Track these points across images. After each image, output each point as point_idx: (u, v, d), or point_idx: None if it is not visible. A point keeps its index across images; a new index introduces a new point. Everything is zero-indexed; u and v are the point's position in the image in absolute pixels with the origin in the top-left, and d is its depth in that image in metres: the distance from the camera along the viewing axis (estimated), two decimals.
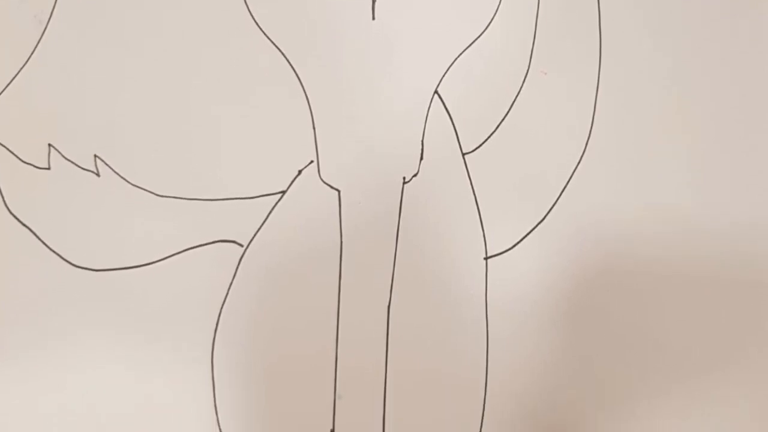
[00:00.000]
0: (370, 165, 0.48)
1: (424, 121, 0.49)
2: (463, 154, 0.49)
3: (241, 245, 0.48)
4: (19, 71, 0.48)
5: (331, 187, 0.48)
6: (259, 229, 0.48)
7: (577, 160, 0.49)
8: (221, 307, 0.47)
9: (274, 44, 0.48)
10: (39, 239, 0.47)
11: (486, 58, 0.50)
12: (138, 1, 0.49)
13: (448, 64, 0.49)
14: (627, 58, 0.50)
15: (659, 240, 0.49)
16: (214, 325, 0.47)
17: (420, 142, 0.49)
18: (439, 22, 0.49)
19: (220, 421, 0.47)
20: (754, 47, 0.51)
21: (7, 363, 0.47)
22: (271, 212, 0.48)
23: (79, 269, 0.47)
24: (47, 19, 0.48)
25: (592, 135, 0.49)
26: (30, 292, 0.47)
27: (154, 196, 0.48)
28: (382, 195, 0.48)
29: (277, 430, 0.48)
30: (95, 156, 0.48)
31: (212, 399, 0.47)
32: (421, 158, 0.49)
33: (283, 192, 0.48)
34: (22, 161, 0.47)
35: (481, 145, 0.49)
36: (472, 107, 0.49)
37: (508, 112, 0.49)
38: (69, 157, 0.47)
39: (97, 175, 0.48)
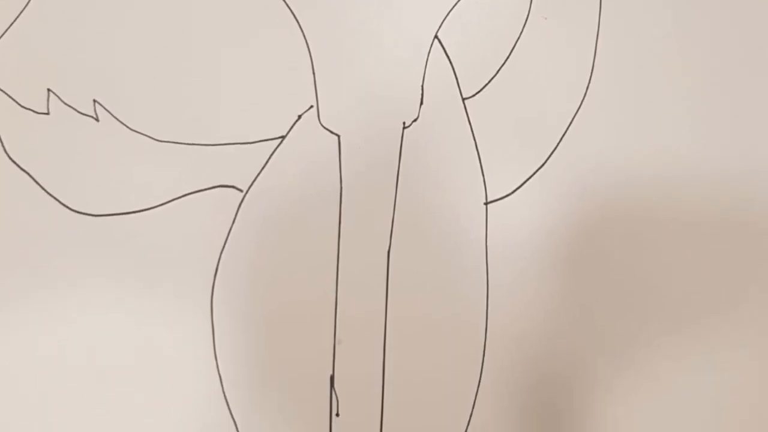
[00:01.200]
0: (370, 110, 0.48)
1: (424, 65, 0.49)
2: (463, 99, 0.49)
3: (241, 190, 0.48)
4: (17, 16, 0.48)
5: (331, 132, 0.48)
6: (258, 174, 0.48)
7: (578, 105, 0.49)
8: (221, 253, 0.47)
9: None
10: (38, 184, 0.47)
11: (486, 3, 0.50)
12: None
13: (448, 9, 0.49)
14: (627, 2, 0.50)
15: (660, 185, 0.49)
16: (214, 271, 0.47)
17: (420, 87, 0.48)
18: None
19: (219, 367, 0.47)
20: None
21: (6, 308, 0.47)
22: (270, 157, 0.48)
23: (78, 214, 0.47)
24: None
25: (592, 80, 0.49)
26: (29, 237, 0.47)
27: (154, 141, 0.47)
28: (382, 140, 0.48)
29: (277, 375, 0.48)
30: (94, 101, 0.47)
31: (212, 344, 0.47)
32: (421, 103, 0.48)
33: (283, 137, 0.48)
34: (21, 106, 0.47)
35: (481, 90, 0.49)
36: (472, 52, 0.49)
37: (508, 57, 0.49)
38: (68, 102, 0.47)
39: (96, 120, 0.47)
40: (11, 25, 0.48)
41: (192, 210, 0.47)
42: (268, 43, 0.48)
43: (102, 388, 0.47)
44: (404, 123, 0.48)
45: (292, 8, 0.48)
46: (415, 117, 0.48)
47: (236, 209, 0.47)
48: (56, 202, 0.47)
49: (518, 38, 0.49)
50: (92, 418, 0.47)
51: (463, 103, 0.49)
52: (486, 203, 0.48)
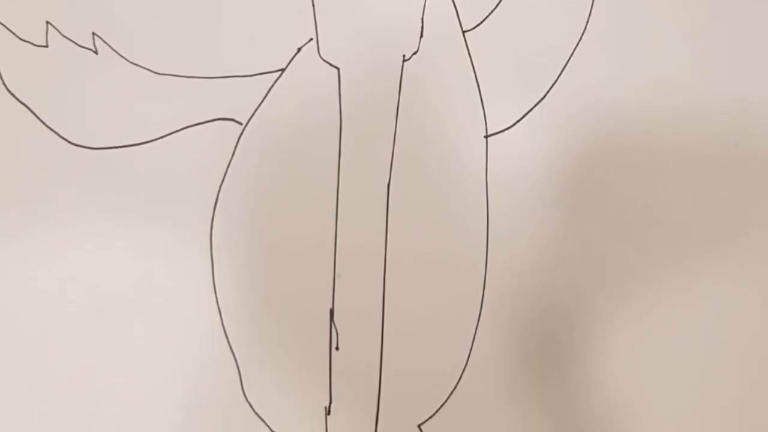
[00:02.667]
0: (369, 43, 0.48)
1: None
2: (463, 32, 0.49)
3: (240, 123, 0.47)
4: None
5: (331, 64, 0.48)
6: (258, 107, 0.47)
7: (579, 37, 0.49)
8: (220, 186, 0.47)
9: None
10: (37, 117, 0.47)
11: None
12: None
13: None
14: None
15: (660, 117, 0.49)
16: (213, 204, 0.47)
17: (420, 20, 0.48)
18: None
19: (218, 300, 0.47)
20: None
21: (5, 241, 0.46)
22: (270, 90, 0.47)
23: (78, 147, 0.47)
24: None
25: (592, 12, 0.49)
26: (28, 170, 0.47)
27: (153, 74, 0.47)
28: (381, 73, 0.48)
29: (276, 309, 0.47)
30: (93, 34, 0.47)
31: (211, 278, 0.47)
32: (421, 36, 0.48)
33: (282, 70, 0.48)
34: (20, 39, 0.47)
35: (481, 23, 0.49)
36: None
37: None
38: (67, 35, 0.47)
39: (96, 53, 0.47)
40: None
41: (191, 143, 0.47)
42: None
43: (101, 320, 0.47)
44: (404, 56, 0.48)
45: None
46: (415, 50, 0.48)
47: (236, 142, 0.47)
48: (55, 135, 0.47)
49: None
50: (91, 350, 0.47)
51: (463, 36, 0.49)
52: (486, 136, 0.48)
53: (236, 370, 0.47)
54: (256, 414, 0.47)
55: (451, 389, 0.48)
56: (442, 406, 0.48)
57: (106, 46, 0.47)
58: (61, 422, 0.46)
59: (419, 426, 0.48)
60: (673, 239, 0.48)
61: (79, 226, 0.47)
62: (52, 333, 0.46)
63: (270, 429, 0.47)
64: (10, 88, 0.47)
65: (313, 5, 0.48)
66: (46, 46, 0.47)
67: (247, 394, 0.47)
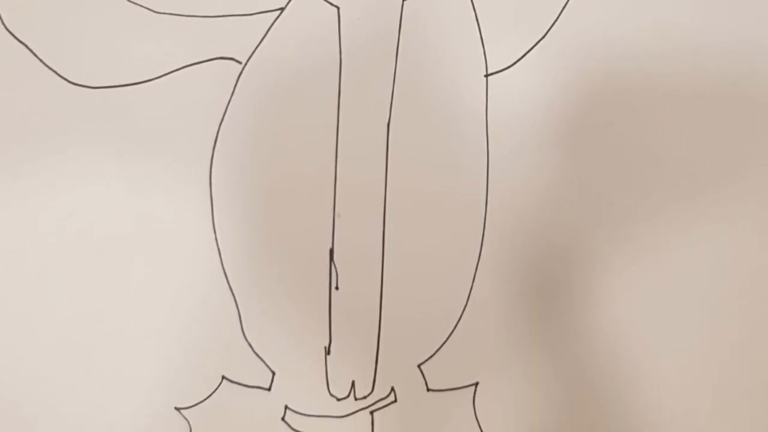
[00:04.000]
0: None
1: None
2: None
3: (240, 62, 0.47)
4: None
5: (330, 3, 0.48)
6: (257, 46, 0.47)
7: None
8: (219, 125, 0.47)
9: None
10: (36, 57, 0.47)
11: None
12: None
13: None
14: None
15: (660, 57, 0.49)
16: (213, 143, 0.47)
17: None
18: None
19: (218, 239, 0.47)
20: None
21: (5, 180, 0.46)
22: (270, 29, 0.47)
23: (77, 87, 0.47)
24: None
25: None
26: (27, 109, 0.47)
27: (152, 12, 0.47)
28: (381, 11, 0.48)
29: (276, 248, 0.47)
30: None
31: (210, 217, 0.47)
32: None
33: (282, 9, 0.48)
34: None
35: None
36: None
37: None
38: None
39: None
40: None
41: (191, 82, 0.47)
42: None
43: (100, 259, 0.47)
44: None
45: None
46: None
47: (235, 81, 0.47)
48: (55, 74, 0.47)
49: None
50: (90, 288, 0.47)
51: None
52: (486, 75, 0.48)
53: (236, 310, 0.47)
54: (256, 354, 0.47)
55: (451, 329, 0.48)
56: (441, 346, 0.48)
57: None
58: (61, 360, 0.46)
59: (419, 366, 0.48)
60: (672, 179, 0.48)
61: (78, 164, 0.47)
62: (52, 272, 0.47)
63: (269, 368, 0.47)
64: (10, 28, 0.47)
65: None
66: None
67: (246, 334, 0.47)
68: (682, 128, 0.49)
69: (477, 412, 0.48)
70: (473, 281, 0.48)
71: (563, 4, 0.48)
